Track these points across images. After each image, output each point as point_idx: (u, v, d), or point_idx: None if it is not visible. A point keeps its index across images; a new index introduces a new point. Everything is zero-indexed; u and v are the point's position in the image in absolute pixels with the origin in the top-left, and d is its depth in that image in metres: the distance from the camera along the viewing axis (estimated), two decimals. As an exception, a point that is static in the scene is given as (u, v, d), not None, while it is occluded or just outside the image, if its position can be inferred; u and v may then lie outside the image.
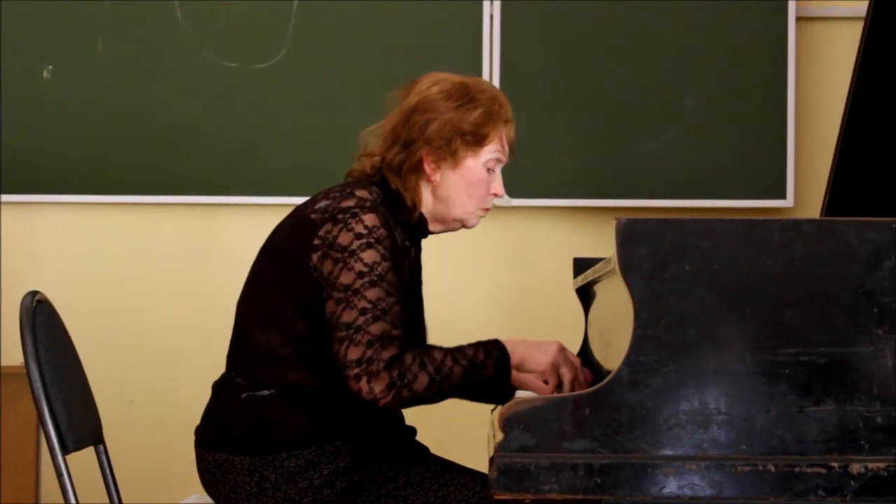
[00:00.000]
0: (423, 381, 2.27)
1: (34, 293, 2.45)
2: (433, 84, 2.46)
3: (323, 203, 2.38)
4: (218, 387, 2.50)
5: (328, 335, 2.30)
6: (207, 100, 4.15)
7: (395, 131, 2.44)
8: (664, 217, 2.03)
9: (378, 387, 2.25)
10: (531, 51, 4.14)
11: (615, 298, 2.36)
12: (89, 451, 2.53)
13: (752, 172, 4.12)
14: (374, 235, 2.32)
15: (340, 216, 2.33)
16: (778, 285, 1.99)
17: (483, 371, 2.32)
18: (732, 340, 1.99)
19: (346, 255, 2.30)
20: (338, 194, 2.38)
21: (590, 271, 2.79)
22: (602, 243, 4.06)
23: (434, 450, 2.53)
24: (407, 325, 2.38)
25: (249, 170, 4.15)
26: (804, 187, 4.15)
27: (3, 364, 4.04)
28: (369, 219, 2.33)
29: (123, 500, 2.59)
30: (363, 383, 2.25)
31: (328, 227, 2.33)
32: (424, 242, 2.56)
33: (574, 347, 3.00)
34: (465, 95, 2.43)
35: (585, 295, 3.00)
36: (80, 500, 2.38)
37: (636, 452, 1.98)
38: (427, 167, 2.43)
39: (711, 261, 2.00)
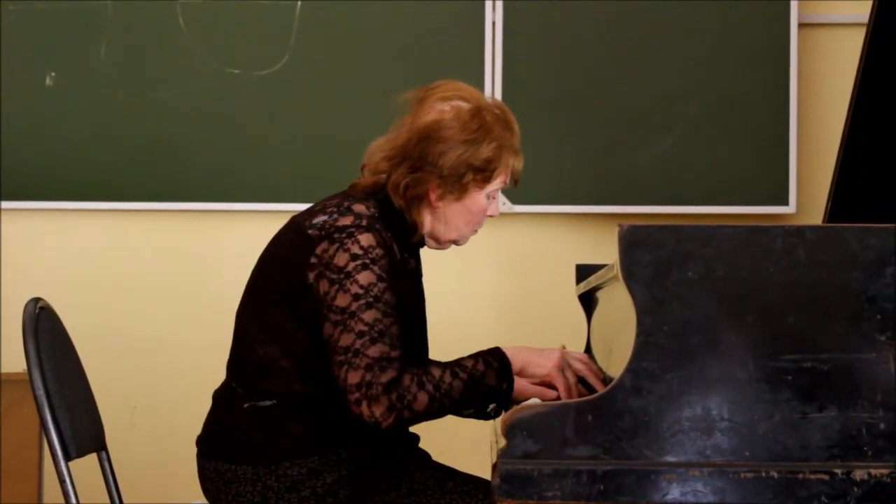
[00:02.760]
0: (422, 400, 2.27)
1: (37, 300, 2.45)
2: (447, 102, 2.43)
3: (320, 218, 2.37)
4: (218, 396, 2.49)
5: (328, 356, 2.31)
6: (210, 106, 4.15)
7: (405, 150, 2.41)
8: (666, 223, 2.03)
9: (378, 410, 2.25)
10: (533, 57, 4.14)
11: (618, 305, 2.36)
12: (91, 458, 2.52)
13: (754, 179, 4.12)
14: (370, 256, 2.31)
15: (337, 235, 2.32)
16: (780, 292, 1.99)
17: (485, 381, 2.32)
18: (735, 347, 1.99)
19: (341, 276, 2.30)
20: (335, 209, 2.38)
21: (592, 278, 2.79)
22: (604, 250, 4.07)
23: (437, 457, 2.52)
24: (409, 339, 2.38)
25: (252, 176, 4.15)
26: (806, 194, 4.15)
27: (3, 371, 4.04)
28: (365, 238, 2.32)
29: (125, 507, 2.60)
30: (364, 407, 2.25)
31: (325, 245, 2.33)
32: (426, 249, 2.56)
33: (576, 354, 3.01)
34: (481, 127, 2.40)
35: (588, 301, 3.00)
36: (82, 507, 2.38)
37: (639, 459, 1.97)
38: (432, 195, 2.43)
39: (714, 267, 1.99)
